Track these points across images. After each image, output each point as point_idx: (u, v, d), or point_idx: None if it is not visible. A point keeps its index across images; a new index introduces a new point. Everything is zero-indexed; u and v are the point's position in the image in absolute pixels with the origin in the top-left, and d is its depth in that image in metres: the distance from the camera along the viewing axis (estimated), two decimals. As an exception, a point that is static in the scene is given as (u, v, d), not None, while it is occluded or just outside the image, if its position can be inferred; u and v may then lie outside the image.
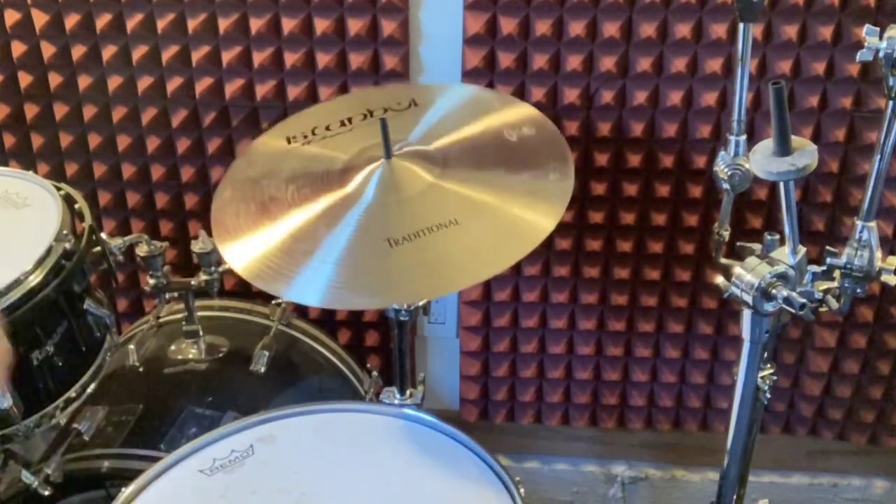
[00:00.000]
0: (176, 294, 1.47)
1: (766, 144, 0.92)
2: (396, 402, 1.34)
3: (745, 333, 1.05)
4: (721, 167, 1.19)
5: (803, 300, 0.95)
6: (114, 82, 1.60)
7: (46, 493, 1.23)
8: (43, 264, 1.15)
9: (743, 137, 1.18)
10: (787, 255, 0.98)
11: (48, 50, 1.58)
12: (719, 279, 1.02)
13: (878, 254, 1.02)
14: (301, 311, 1.69)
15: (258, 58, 1.56)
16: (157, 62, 1.58)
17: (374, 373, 1.59)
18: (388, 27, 1.52)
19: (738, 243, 1.08)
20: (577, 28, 1.49)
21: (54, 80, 1.61)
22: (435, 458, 1.14)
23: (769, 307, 0.98)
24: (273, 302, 1.58)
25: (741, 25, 1.12)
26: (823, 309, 1.05)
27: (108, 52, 1.58)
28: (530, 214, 1.14)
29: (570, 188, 1.17)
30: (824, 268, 1.04)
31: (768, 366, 1.15)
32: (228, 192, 1.25)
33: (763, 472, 1.89)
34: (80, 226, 1.25)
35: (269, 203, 1.20)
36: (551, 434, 1.90)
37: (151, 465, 1.13)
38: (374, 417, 1.22)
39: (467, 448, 1.16)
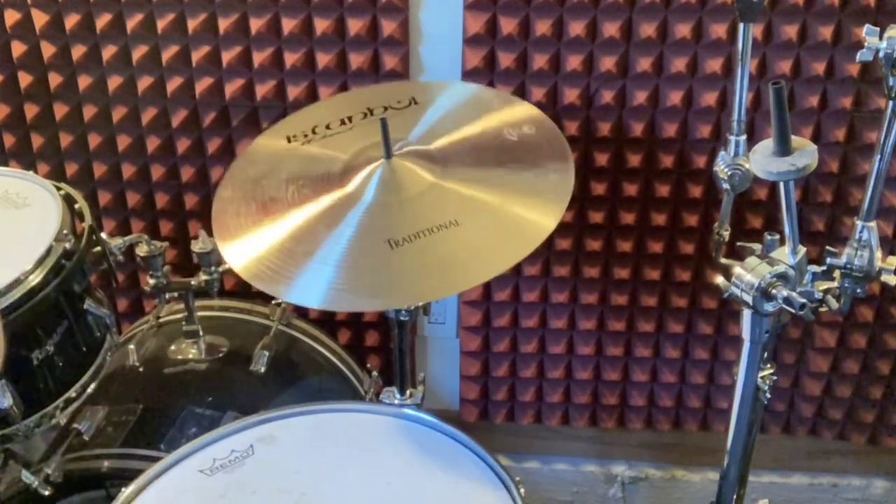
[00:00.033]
0: (176, 294, 1.47)
1: (766, 144, 0.92)
2: (396, 402, 1.34)
3: (745, 333, 1.05)
4: (721, 167, 1.19)
5: (803, 300, 0.95)
6: (114, 82, 1.60)
7: (46, 493, 1.23)
8: (43, 264, 1.15)
9: (743, 137, 1.18)
10: (787, 255, 0.98)
11: (48, 50, 1.58)
12: (719, 279, 1.02)
13: (878, 254, 1.02)
14: (301, 311, 1.69)
15: (258, 58, 1.56)
16: (157, 62, 1.58)
17: (374, 373, 1.59)
18: (388, 27, 1.52)
19: (738, 243, 1.08)
20: (577, 28, 1.49)
21: (54, 80, 1.61)
22: (435, 458, 1.14)
23: (769, 307, 0.98)
24: (273, 302, 1.58)
25: (741, 25, 1.12)
26: (823, 309, 1.05)
27: (108, 52, 1.58)
28: (531, 214, 1.14)
29: (571, 187, 1.17)
30: (824, 268, 1.04)
31: (768, 366, 1.15)
32: (229, 191, 1.25)
33: (763, 472, 1.89)
34: (80, 226, 1.25)
35: (270, 203, 1.20)
36: (551, 434, 1.90)
37: (151, 465, 1.13)
38: (374, 417, 1.22)
39: (467, 448, 1.16)
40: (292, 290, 1.09)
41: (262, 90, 1.58)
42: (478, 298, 1.73)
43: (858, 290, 1.04)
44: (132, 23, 1.55)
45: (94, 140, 1.66)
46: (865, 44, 0.94)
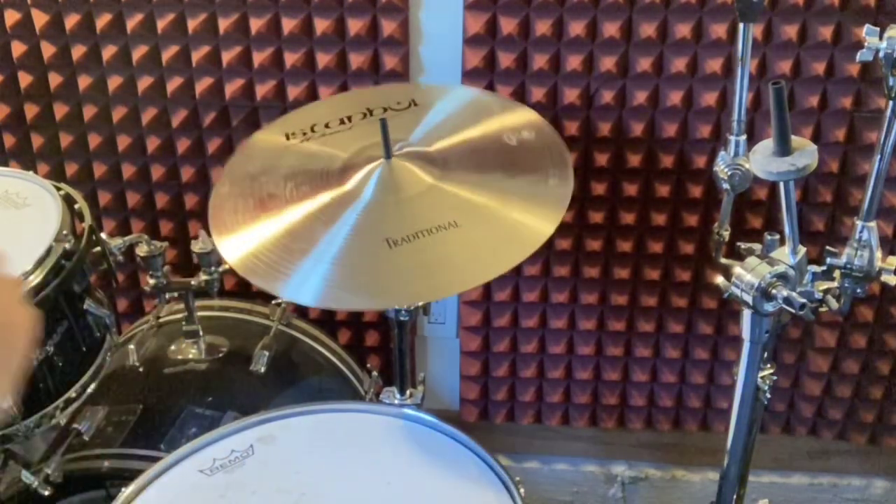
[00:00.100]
0: (176, 294, 1.47)
1: (766, 144, 0.92)
2: (396, 402, 1.34)
3: (745, 333, 1.05)
4: (721, 167, 1.19)
5: (803, 300, 0.95)
6: (114, 82, 1.60)
7: (46, 493, 1.23)
8: (43, 264, 1.15)
9: (743, 137, 1.18)
10: (787, 255, 0.98)
11: (48, 50, 1.58)
12: (719, 279, 1.02)
13: (878, 254, 1.02)
14: (301, 311, 1.69)
15: (258, 58, 1.56)
16: (157, 62, 1.58)
17: (374, 373, 1.59)
18: (388, 27, 1.52)
19: (738, 243, 1.08)
20: (577, 28, 1.49)
21: (54, 80, 1.61)
22: (435, 458, 1.14)
23: (769, 307, 0.98)
24: (273, 302, 1.58)
25: (741, 25, 1.12)
26: (823, 309, 1.05)
27: (108, 52, 1.58)
28: (529, 218, 1.14)
29: (569, 193, 1.17)
30: (824, 268, 1.04)
31: (768, 366, 1.15)
32: (226, 187, 1.25)
33: (763, 472, 1.89)
34: (80, 226, 1.25)
35: (268, 199, 1.20)
36: (551, 434, 1.90)
37: (151, 465, 1.13)
38: (374, 417, 1.22)
39: (467, 448, 1.16)
40: (288, 286, 1.09)
41: (262, 90, 1.58)
42: (478, 298, 1.73)
43: (858, 290, 1.04)
44: (132, 23, 1.55)
45: (94, 140, 1.66)
46: (865, 44, 0.94)
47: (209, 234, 1.18)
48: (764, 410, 1.22)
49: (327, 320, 1.77)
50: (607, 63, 1.51)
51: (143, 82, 1.60)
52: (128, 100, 1.62)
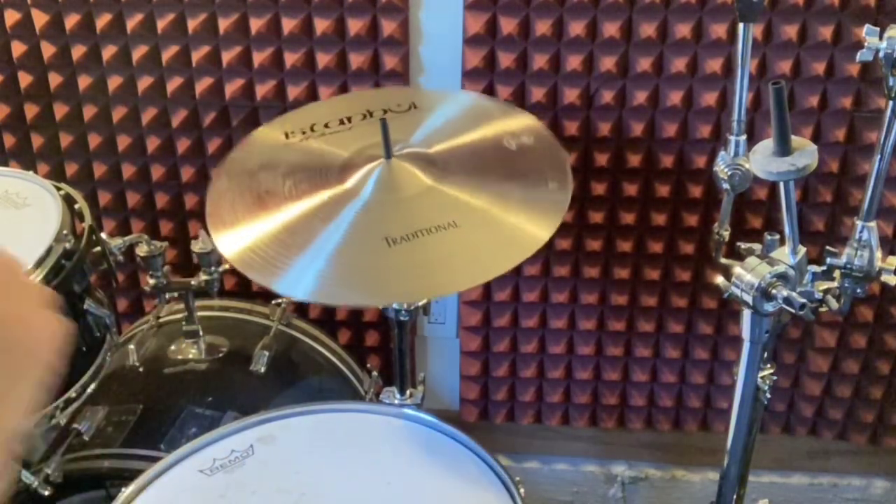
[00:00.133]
0: (176, 294, 1.47)
1: (766, 144, 0.92)
2: (396, 402, 1.34)
3: (745, 333, 1.05)
4: (721, 167, 1.19)
5: (803, 300, 0.95)
6: (114, 82, 1.60)
7: (46, 493, 1.23)
8: (43, 264, 1.15)
9: (743, 137, 1.18)
10: (787, 255, 0.98)
11: (48, 50, 1.58)
12: (719, 279, 1.02)
13: (878, 254, 1.02)
14: (301, 311, 1.69)
15: (258, 58, 1.56)
16: (157, 62, 1.58)
17: (374, 373, 1.59)
18: (388, 27, 1.52)
19: (738, 243, 1.08)
20: (577, 28, 1.49)
21: (54, 80, 1.61)
22: (435, 458, 1.14)
23: (769, 307, 0.98)
24: (273, 302, 1.59)
25: (741, 25, 1.12)
26: (823, 309, 1.05)
27: (108, 52, 1.58)
28: (526, 223, 1.14)
29: (568, 200, 1.17)
30: (824, 268, 1.04)
31: (768, 366, 1.15)
32: (224, 182, 1.25)
33: (763, 472, 1.89)
34: (80, 226, 1.25)
35: (266, 195, 1.20)
36: (551, 434, 1.90)
37: (151, 465, 1.13)
38: (374, 417, 1.22)
39: (467, 448, 1.16)
40: (283, 280, 1.09)
41: (262, 90, 1.58)
42: (478, 298, 1.73)
43: (858, 290, 1.04)
44: (132, 23, 1.55)
45: (94, 140, 1.66)
46: (865, 44, 0.94)
47: (208, 233, 1.18)
48: (764, 410, 1.22)
49: (327, 320, 1.77)
50: (607, 63, 1.51)
51: (143, 82, 1.60)
52: (128, 100, 1.62)
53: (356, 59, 1.55)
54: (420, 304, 1.31)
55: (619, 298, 1.71)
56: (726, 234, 1.25)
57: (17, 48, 1.58)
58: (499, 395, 1.84)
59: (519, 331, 1.77)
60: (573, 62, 1.52)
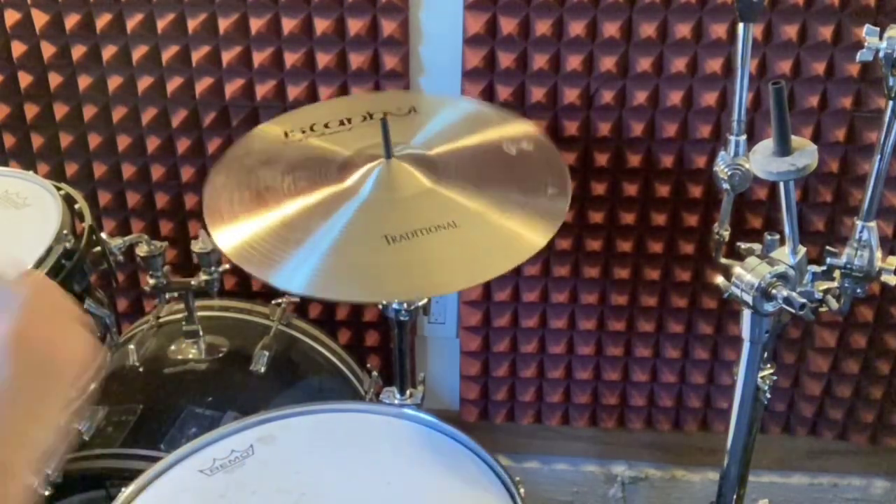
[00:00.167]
0: (176, 294, 1.47)
1: (766, 144, 0.92)
2: (396, 402, 1.34)
3: (745, 333, 1.05)
4: (721, 167, 1.19)
5: (803, 300, 0.95)
6: (114, 82, 1.60)
7: (46, 493, 1.23)
8: (43, 264, 1.15)
9: (743, 137, 1.18)
10: (787, 255, 0.98)
11: (48, 50, 1.58)
12: (719, 279, 1.02)
13: (878, 254, 1.02)
14: (301, 311, 1.69)
15: (258, 58, 1.56)
16: (157, 62, 1.58)
17: (374, 373, 1.59)
18: (388, 27, 1.52)
19: (738, 243, 1.08)
20: (577, 28, 1.49)
21: (54, 80, 1.61)
22: (435, 458, 1.14)
23: (769, 307, 0.98)
24: (273, 302, 1.59)
25: (741, 25, 1.12)
26: (823, 309, 1.05)
27: (108, 52, 1.58)
28: (523, 229, 1.14)
29: (566, 208, 1.18)
30: (824, 268, 1.04)
31: (768, 366, 1.15)
32: (223, 177, 1.25)
33: (763, 472, 1.89)
34: (80, 226, 1.25)
35: (265, 191, 1.20)
36: (551, 434, 1.90)
37: (151, 465, 1.13)
38: (374, 417, 1.22)
39: (467, 448, 1.16)
40: (279, 273, 1.09)
41: (262, 90, 1.58)
42: (478, 298, 1.73)
43: (858, 290, 1.04)
44: (132, 23, 1.55)
45: (94, 140, 1.66)
46: (865, 44, 0.94)
47: (208, 233, 1.18)
48: (764, 410, 1.22)
49: (327, 320, 1.77)
50: (607, 63, 1.51)
51: (143, 82, 1.60)
52: (128, 100, 1.62)
53: (356, 59, 1.55)
54: (420, 304, 1.31)
55: (619, 298, 1.71)
56: (726, 234, 1.25)
57: (17, 48, 1.58)
58: (499, 395, 1.84)
59: (519, 331, 1.77)
60: (573, 62, 1.52)
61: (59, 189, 1.28)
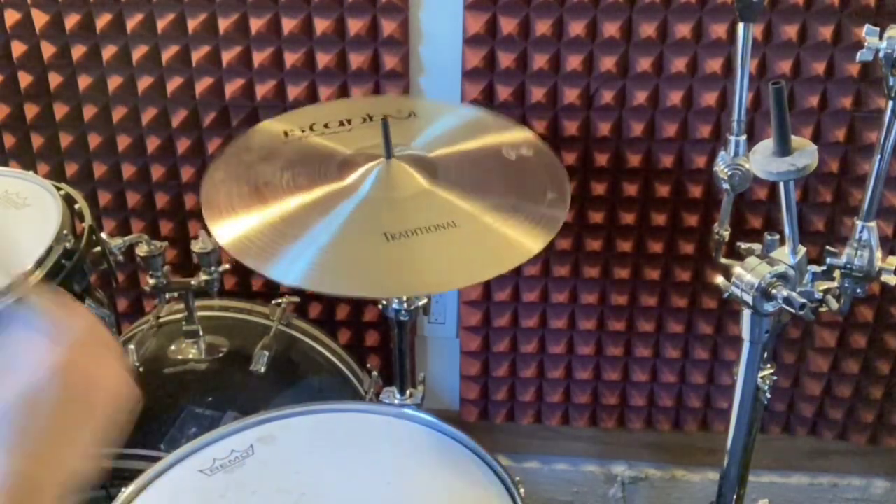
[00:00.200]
0: (176, 294, 1.47)
1: (766, 144, 0.92)
2: (396, 402, 1.34)
3: (745, 333, 1.05)
4: (721, 167, 1.19)
5: (803, 300, 0.95)
6: (114, 82, 1.60)
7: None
8: (43, 264, 1.15)
9: (743, 137, 1.18)
10: (787, 255, 0.99)
11: (48, 50, 1.58)
12: (719, 279, 1.02)
13: (878, 254, 1.02)
14: (301, 311, 1.69)
15: (258, 58, 1.56)
16: (157, 62, 1.58)
17: (374, 373, 1.59)
18: (388, 27, 1.52)
19: (738, 243, 1.08)
20: (577, 28, 1.49)
21: (54, 80, 1.61)
22: (435, 458, 1.14)
23: (769, 307, 0.98)
24: (273, 302, 1.59)
25: (741, 25, 1.12)
26: (823, 309, 1.05)
27: (108, 52, 1.58)
28: (519, 235, 1.14)
29: (563, 216, 1.18)
30: (824, 268, 1.04)
31: (768, 366, 1.15)
32: (221, 173, 1.25)
33: (763, 472, 1.89)
34: (80, 226, 1.25)
35: (263, 187, 1.20)
36: (551, 434, 1.90)
37: (151, 465, 1.13)
38: (374, 417, 1.22)
39: (467, 448, 1.16)
40: (276, 266, 1.09)
41: (262, 90, 1.58)
42: (478, 298, 1.73)
43: (858, 290, 1.04)
44: (132, 23, 1.55)
45: (94, 140, 1.66)
46: (865, 44, 0.94)
47: (208, 233, 1.18)
48: (764, 410, 1.22)
49: (327, 320, 1.77)
50: (607, 63, 1.51)
51: (143, 82, 1.60)
52: (128, 100, 1.62)
53: (356, 59, 1.55)
54: (420, 304, 1.32)
55: (619, 298, 1.71)
56: (726, 234, 1.25)
57: (17, 48, 1.58)
58: (499, 395, 1.84)
59: (519, 331, 1.77)
60: (573, 62, 1.52)
61: (59, 189, 1.28)
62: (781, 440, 1.85)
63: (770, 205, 1.59)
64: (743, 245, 1.07)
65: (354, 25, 1.52)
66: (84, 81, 1.61)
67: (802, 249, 0.99)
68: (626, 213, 1.63)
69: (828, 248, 1.04)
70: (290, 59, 1.55)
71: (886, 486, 1.89)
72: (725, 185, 1.19)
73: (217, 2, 1.53)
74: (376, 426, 1.20)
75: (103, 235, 1.31)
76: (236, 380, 1.44)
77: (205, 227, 1.19)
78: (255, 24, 1.53)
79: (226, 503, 1.08)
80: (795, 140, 0.91)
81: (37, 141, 1.67)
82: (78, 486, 0.68)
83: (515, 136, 1.34)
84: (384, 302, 1.32)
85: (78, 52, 1.58)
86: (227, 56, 1.56)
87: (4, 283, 1.05)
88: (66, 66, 1.60)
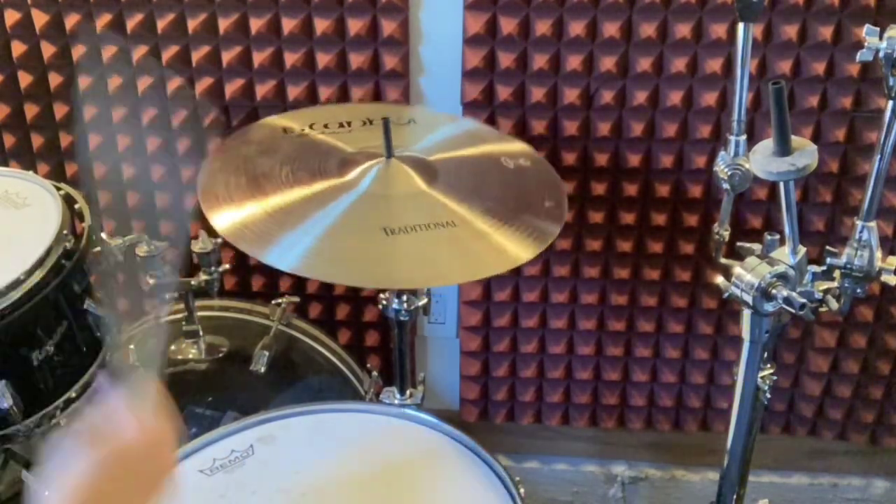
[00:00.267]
0: (176, 294, 1.47)
1: (766, 144, 0.92)
2: (396, 402, 1.34)
3: (745, 333, 1.05)
4: (721, 167, 1.19)
5: (803, 300, 0.95)
6: (114, 82, 1.60)
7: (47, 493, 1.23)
8: (43, 264, 1.15)
9: (743, 137, 1.18)
10: (787, 255, 0.99)
11: (48, 50, 1.58)
12: (719, 279, 1.02)
13: (878, 254, 1.02)
14: (301, 311, 1.69)
15: (258, 58, 1.56)
16: (156, 62, 1.58)
17: (374, 373, 1.59)
18: (388, 27, 1.52)
19: (738, 243, 1.08)
20: (577, 28, 1.49)
21: (54, 80, 1.61)
22: (435, 458, 1.14)
23: (769, 307, 0.98)
24: (273, 302, 1.59)
25: (741, 25, 1.12)
26: (823, 309, 1.05)
27: (108, 52, 1.58)
28: (510, 244, 1.15)
29: (559, 227, 1.19)
30: (824, 268, 1.04)
31: (768, 366, 1.15)
32: (219, 163, 1.25)
33: (763, 472, 1.89)
34: (80, 226, 1.25)
35: (262, 178, 1.21)
36: (551, 434, 1.90)
37: (151, 465, 1.13)
38: (374, 417, 1.22)
39: (467, 448, 1.16)
40: (271, 252, 1.09)
41: (262, 90, 1.58)
42: (478, 298, 1.73)
43: (858, 290, 1.05)
44: (132, 23, 1.55)
45: (94, 140, 1.66)
46: (865, 44, 0.94)
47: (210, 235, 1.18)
48: (764, 410, 1.22)
49: (327, 320, 1.77)
50: (607, 63, 1.51)
51: (143, 82, 1.60)
52: (128, 100, 1.62)
53: (356, 59, 1.55)
54: (420, 303, 1.32)
55: (619, 298, 1.71)
56: (726, 234, 1.25)
57: (17, 48, 1.58)
58: (499, 395, 1.84)
59: (519, 331, 1.77)
60: (573, 62, 1.52)
61: (59, 189, 1.28)
62: (781, 440, 1.85)
63: (770, 205, 1.59)
64: (743, 245, 1.07)
65: (354, 25, 1.52)
66: (84, 81, 1.61)
67: (802, 249, 0.99)
68: (626, 213, 1.63)
69: (828, 248, 1.04)
70: (290, 59, 1.55)
71: (886, 486, 1.89)
72: (725, 185, 1.19)
73: (217, 2, 1.53)
74: (376, 426, 1.20)
75: (103, 235, 1.31)
76: (236, 380, 1.44)
77: (205, 228, 1.19)
78: (255, 24, 1.53)
79: (226, 503, 1.08)
80: (795, 140, 0.91)
81: (37, 141, 1.67)
82: None
83: (514, 148, 1.35)
84: (384, 302, 1.32)
85: (78, 52, 1.58)
86: (227, 56, 1.56)
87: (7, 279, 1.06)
88: (66, 66, 1.60)
